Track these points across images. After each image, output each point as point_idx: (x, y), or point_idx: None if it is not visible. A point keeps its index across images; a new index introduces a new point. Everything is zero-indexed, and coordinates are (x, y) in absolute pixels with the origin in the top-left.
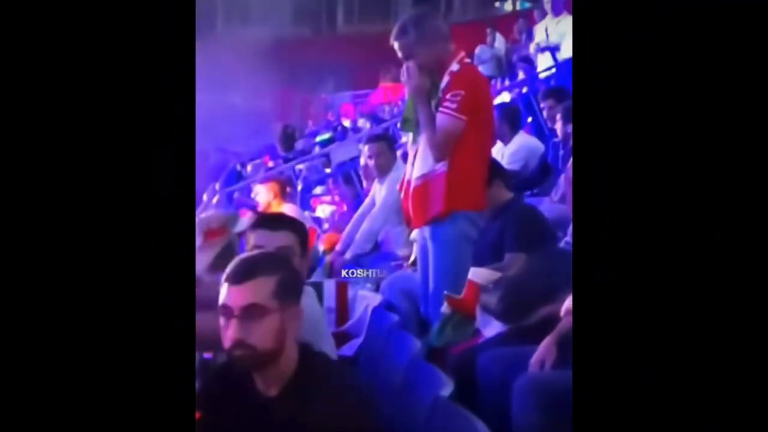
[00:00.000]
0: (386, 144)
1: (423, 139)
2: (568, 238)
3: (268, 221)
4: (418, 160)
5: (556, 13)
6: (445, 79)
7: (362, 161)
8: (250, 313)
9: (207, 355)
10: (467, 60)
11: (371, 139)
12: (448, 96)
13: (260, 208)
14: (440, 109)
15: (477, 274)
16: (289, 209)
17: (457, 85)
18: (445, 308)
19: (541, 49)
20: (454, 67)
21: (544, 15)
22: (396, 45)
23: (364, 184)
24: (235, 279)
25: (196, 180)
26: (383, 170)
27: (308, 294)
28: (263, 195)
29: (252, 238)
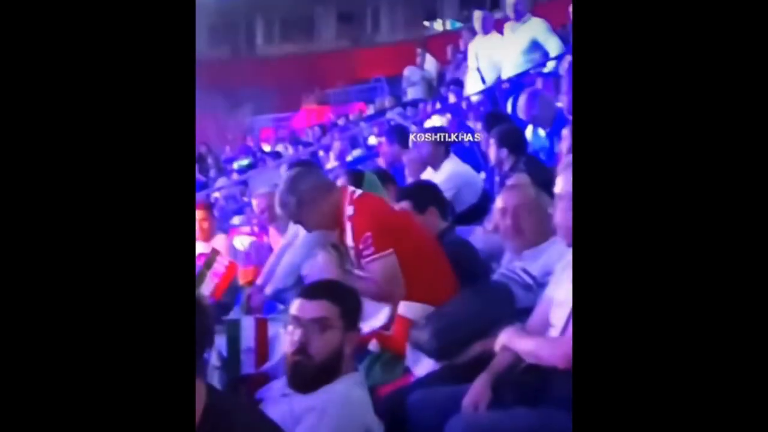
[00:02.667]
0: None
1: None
2: (503, 269)
3: (308, 289)
4: None
5: (486, 30)
6: (347, 228)
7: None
8: None
9: None
10: (355, 192)
11: (293, 164)
12: (360, 246)
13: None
14: (363, 261)
15: (408, 308)
16: (219, 240)
17: (361, 228)
18: (372, 345)
19: (461, 72)
20: (349, 211)
21: (473, 35)
22: (281, 214)
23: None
24: None
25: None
26: None
27: (355, 383)
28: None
29: (293, 306)
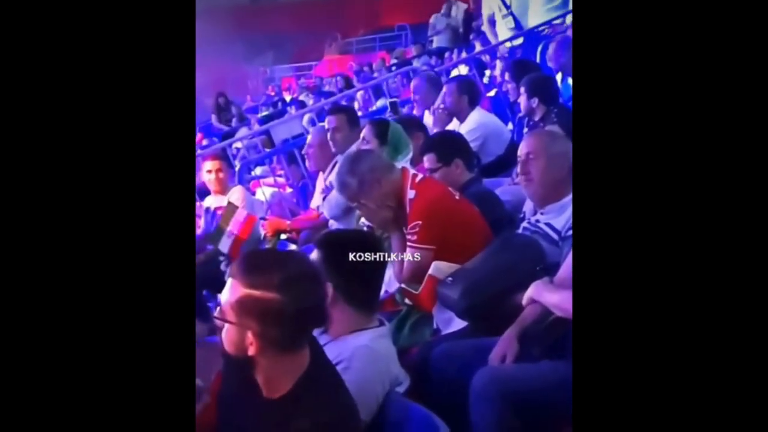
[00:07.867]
0: (346, 118)
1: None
2: (526, 223)
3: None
4: None
5: None
6: (407, 209)
7: (308, 141)
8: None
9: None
10: (417, 176)
11: (333, 110)
12: (408, 229)
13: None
14: (407, 245)
15: (435, 268)
16: (236, 193)
17: (415, 215)
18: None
19: (492, 21)
20: (410, 194)
21: None
22: (341, 197)
23: (307, 164)
24: None
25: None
26: (340, 148)
27: (381, 335)
28: (205, 174)
29: None
